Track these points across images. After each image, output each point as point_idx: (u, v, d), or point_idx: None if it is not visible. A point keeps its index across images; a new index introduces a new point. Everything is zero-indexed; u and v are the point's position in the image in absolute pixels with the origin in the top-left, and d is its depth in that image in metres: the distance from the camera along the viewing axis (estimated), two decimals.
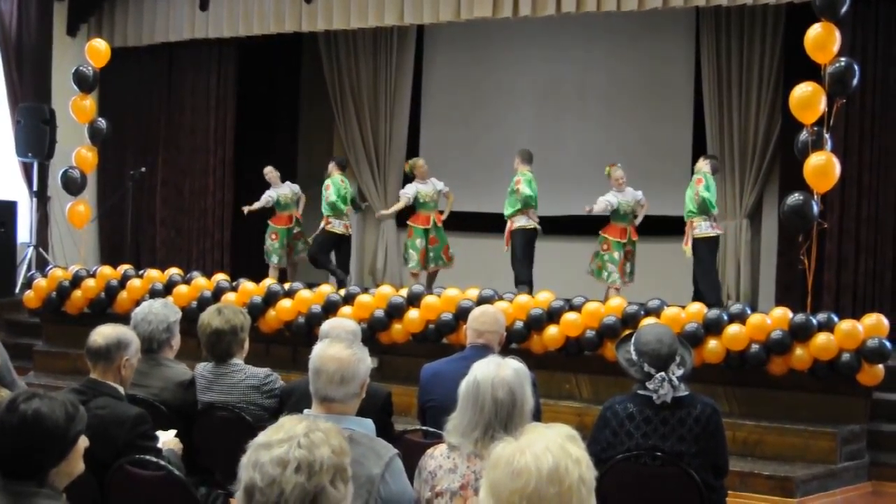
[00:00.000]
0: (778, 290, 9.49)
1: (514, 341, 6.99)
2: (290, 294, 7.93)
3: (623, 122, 10.89)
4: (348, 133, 12.00)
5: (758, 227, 10.15)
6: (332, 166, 9.93)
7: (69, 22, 11.28)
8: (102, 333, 3.74)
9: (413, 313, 7.47)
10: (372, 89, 11.87)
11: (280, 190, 10.44)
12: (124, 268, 8.92)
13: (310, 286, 8.13)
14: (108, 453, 3.39)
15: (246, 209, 10.32)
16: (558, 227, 9.74)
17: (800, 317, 6.52)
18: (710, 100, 10.10)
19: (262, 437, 1.92)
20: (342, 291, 7.94)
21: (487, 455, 1.95)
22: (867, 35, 8.22)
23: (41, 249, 10.59)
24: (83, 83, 9.44)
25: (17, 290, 10.05)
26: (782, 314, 6.62)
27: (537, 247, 9.05)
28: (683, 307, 6.99)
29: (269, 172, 10.45)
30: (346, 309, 7.57)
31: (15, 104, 10.53)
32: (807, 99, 6.74)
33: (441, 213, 9.82)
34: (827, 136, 6.81)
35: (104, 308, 8.62)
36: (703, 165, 8.50)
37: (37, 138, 10.28)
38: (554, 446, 1.82)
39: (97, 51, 9.52)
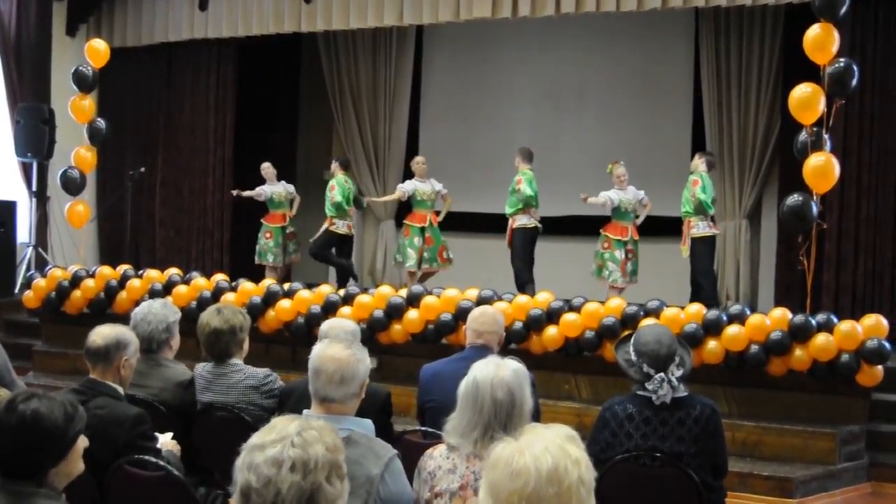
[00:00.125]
0: (777, 291, 9.49)
1: (514, 342, 6.99)
2: (289, 294, 7.93)
3: (622, 123, 10.90)
4: (348, 133, 12.00)
5: (757, 227, 10.15)
6: (335, 166, 9.95)
7: (68, 22, 11.28)
8: (101, 334, 3.74)
9: (412, 314, 7.47)
10: (371, 89, 11.87)
11: (274, 188, 10.45)
12: (124, 268, 8.92)
13: (309, 286, 8.13)
14: (108, 453, 3.39)
15: (235, 192, 10.41)
16: (558, 227, 9.74)
17: (799, 317, 6.52)
18: (709, 100, 10.10)
19: (255, 438, 1.92)
20: (341, 292, 7.94)
21: (487, 455, 1.95)
22: (866, 35, 8.22)
23: (40, 249, 10.58)
24: (82, 83, 9.44)
25: (16, 291, 10.05)
26: (781, 315, 6.62)
27: (537, 247, 9.06)
28: (683, 308, 6.99)
29: (267, 168, 10.47)
30: (345, 309, 7.57)
31: (14, 104, 10.53)
32: (806, 99, 6.75)
33: (437, 213, 9.82)
34: (826, 136, 6.81)
35: (103, 308, 8.62)
36: (700, 164, 8.49)
37: (36, 138, 10.28)
38: (553, 447, 1.82)
39: (97, 51, 9.52)
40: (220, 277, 8.49)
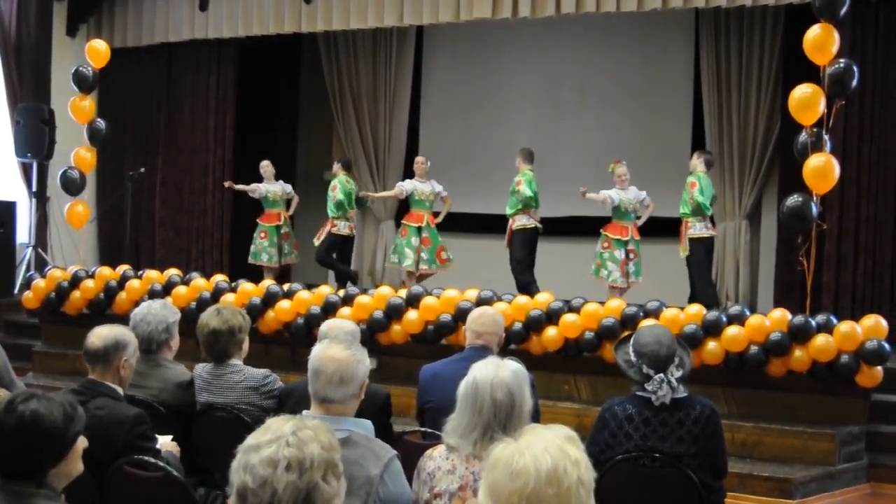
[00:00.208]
0: (777, 292, 9.49)
1: (513, 342, 6.99)
2: (289, 295, 7.93)
3: (622, 124, 10.90)
4: (348, 133, 12.00)
5: (757, 228, 10.15)
6: (337, 167, 9.97)
7: (69, 22, 11.29)
8: (99, 335, 3.73)
9: (412, 314, 7.47)
10: (371, 90, 11.87)
11: (271, 187, 10.41)
12: (123, 268, 8.92)
13: (308, 287, 8.13)
14: (107, 454, 3.39)
15: (228, 183, 10.40)
16: (558, 227, 9.74)
17: (799, 318, 6.52)
18: (709, 101, 10.11)
19: (250, 439, 1.91)
20: (341, 292, 7.94)
21: (486, 456, 1.95)
22: (866, 36, 8.22)
23: (40, 250, 10.58)
24: (83, 83, 9.44)
25: (16, 291, 10.05)
26: (781, 316, 6.62)
27: (538, 247, 9.06)
28: (682, 308, 6.99)
29: (266, 167, 10.44)
30: (344, 310, 7.57)
31: (14, 104, 10.53)
32: (806, 100, 6.74)
33: (435, 215, 9.80)
34: (826, 137, 6.80)
35: (103, 309, 8.62)
36: (698, 164, 8.49)
37: (36, 138, 10.28)
38: (553, 447, 1.82)
39: (97, 51, 9.52)
40: (220, 278, 8.49)
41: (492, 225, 10.08)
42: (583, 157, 10.72)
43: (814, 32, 6.76)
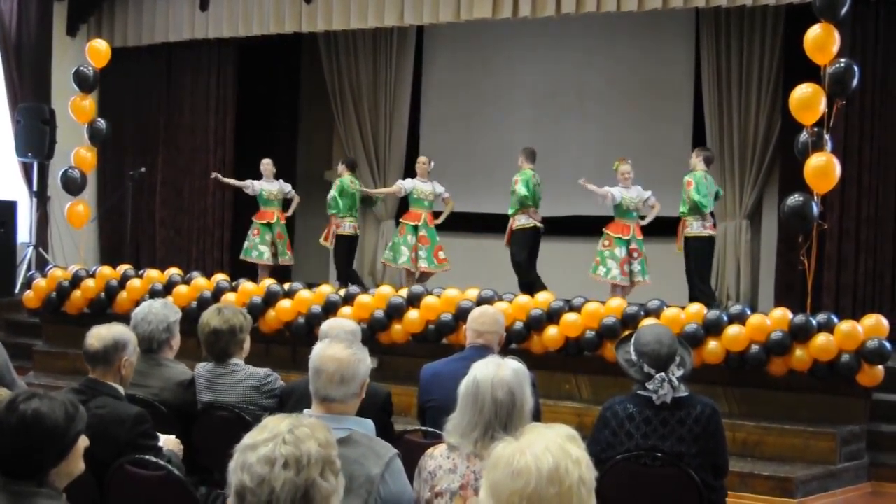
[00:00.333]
0: (778, 291, 9.49)
1: (514, 342, 6.99)
2: (289, 294, 7.93)
3: (623, 123, 10.90)
4: (348, 133, 12.00)
5: (758, 227, 10.15)
6: (341, 168, 9.98)
7: (69, 22, 11.29)
8: (98, 336, 3.72)
9: (413, 314, 7.47)
10: (372, 90, 11.88)
11: (267, 185, 10.28)
12: (124, 268, 8.92)
13: (309, 286, 8.13)
14: (109, 453, 3.39)
15: (215, 175, 10.30)
16: (559, 227, 9.73)
17: (799, 317, 6.52)
18: (709, 100, 10.11)
19: (246, 439, 1.91)
20: (342, 292, 7.94)
21: (487, 455, 1.95)
22: (867, 36, 8.22)
23: (41, 249, 10.59)
24: (83, 83, 9.44)
25: (16, 290, 10.06)
26: (782, 315, 6.62)
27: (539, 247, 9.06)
28: (683, 308, 6.99)
29: (266, 165, 10.31)
30: (345, 309, 7.57)
31: (15, 104, 10.54)
32: (807, 100, 6.74)
33: (435, 214, 9.78)
34: (827, 136, 6.81)
35: (104, 308, 8.62)
36: (697, 162, 8.47)
37: (36, 138, 10.28)
38: (554, 447, 1.82)
39: (97, 51, 9.52)
40: (221, 277, 8.49)
41: (492, 224, 10.09)
42: (583, 157, 10.71)
43: (814, 32, 6.76)
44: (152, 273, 8.69)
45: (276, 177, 10.43)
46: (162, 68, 11.39)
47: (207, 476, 4.14)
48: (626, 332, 4.66)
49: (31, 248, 10.51)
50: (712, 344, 6.62)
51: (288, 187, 10.47)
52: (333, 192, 9.70)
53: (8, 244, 10.21)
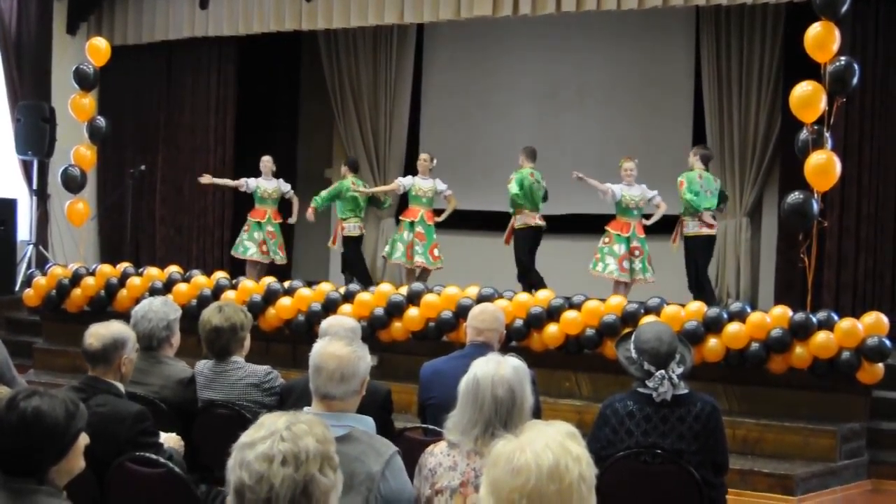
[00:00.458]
0: (778, 289, 9.49)
1: (514, 339, 7.00)
2: (289, 292, 7.93)
3: (623, 122, 10.89)
4: (348, 132, 11.99)
5: (758, 225, 10.14)
6: (344, 169, 9.97)
7: (69, 20, 11.29)
8: (97, 335, 3.71)
9: (413, 311, 7.48)
10: (372, 88, 11.86)
11: (264, 183, 10.12)
12: (124, 266, 8.92)
13: (309, 284, 8.13)
14: (109, 451, 3.39)
15: (206, 178, 10.17)
16: (558, 225, 9.72)
17: (800, 315, 6.52)
18: (709, 99, 10.10)
19: (244, 437, 1.91)
20: (342, 289, 7.94)
21: (487, 452, 1.95)
22: (867, 34, 8.22)
23: (41, 247, 10.59)
24: (83, 81, 9.44)
25: (16, 288, 10.07)
26: (782, 312, 6.63)
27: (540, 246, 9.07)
28: (683, 305, 7.00)
29: (266, 162, 10.14)
30: (345, 307, 7.57)
31: (15, 102, 10.54)
32: (807, 98, 6.74)
33: (434, 212, 9.74)
34: (827, 134, 6.80)
35: (104, 306, 8.62)
36: (695, 161, 8.47)
37: (37, 136, 10.28)
38: (554, 444, 1.82)
39: (98, 49, 9.52)
40: (221, 275, 8.49)
41: (492, 222, 10.08)
42: (583, 156, 10.69)
43: (814, 30, 6.75)
44: (152, 271, 8.69)
45: (276, 175, 10.26)
46: (162, 66, 11.38)
47: (208, 474, 4.14)
48: (627, 330, 4.67)
49: (31, 246, 10.52)
50: (712, 341, 6.62)
51: (287, 187, 10.26)
52: (325, 192, 9.70)
53: (8, 242, 10.22)
